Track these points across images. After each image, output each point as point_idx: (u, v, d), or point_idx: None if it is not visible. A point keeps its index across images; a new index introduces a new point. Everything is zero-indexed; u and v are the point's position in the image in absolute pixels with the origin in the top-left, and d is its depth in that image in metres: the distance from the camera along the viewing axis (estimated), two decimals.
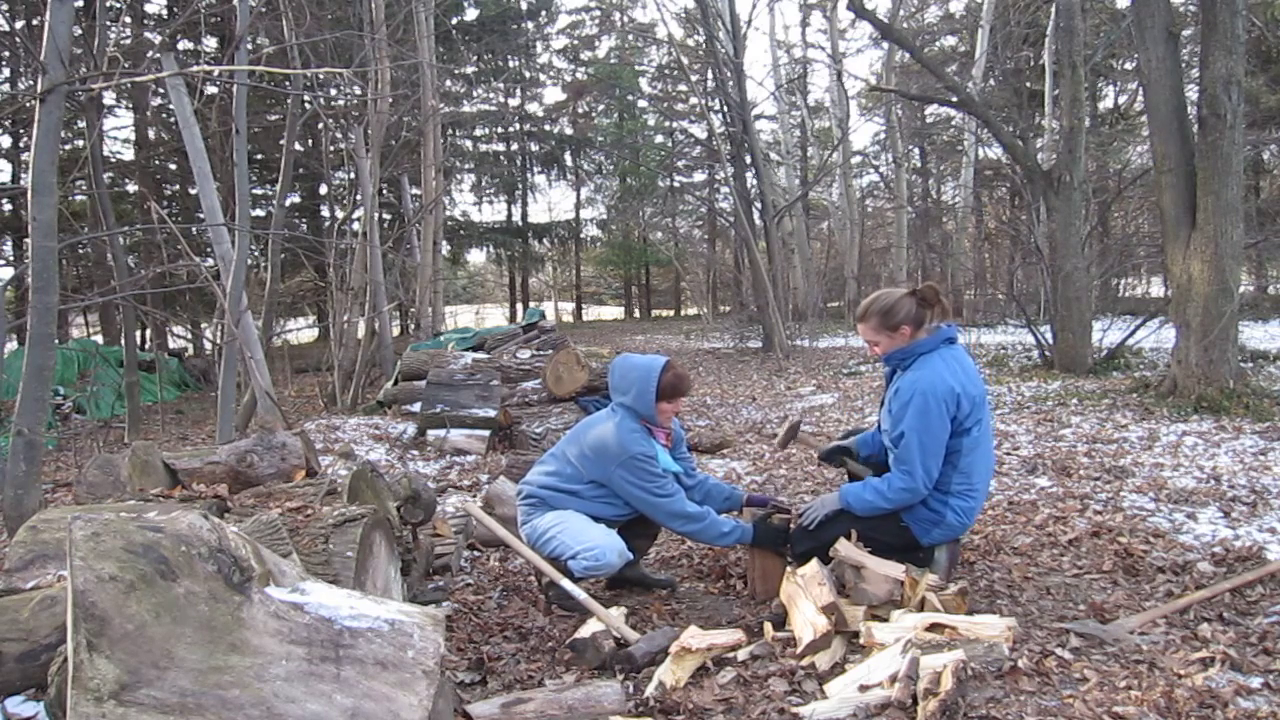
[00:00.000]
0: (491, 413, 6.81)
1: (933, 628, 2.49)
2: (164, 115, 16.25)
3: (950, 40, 26.32)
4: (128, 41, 13.04)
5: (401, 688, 1.68)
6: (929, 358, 3.09)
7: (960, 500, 3.09)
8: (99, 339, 15.36)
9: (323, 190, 21.40)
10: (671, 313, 35.36)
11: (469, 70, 27.33)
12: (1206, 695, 2.27)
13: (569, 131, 32.88)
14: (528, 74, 31.71)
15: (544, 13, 30.31)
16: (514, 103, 31.41)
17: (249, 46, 8.42)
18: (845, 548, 2.97)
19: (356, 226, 12.08)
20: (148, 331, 15.39)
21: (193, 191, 13.72)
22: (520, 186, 32.54)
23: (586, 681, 2.57)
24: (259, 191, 19.70)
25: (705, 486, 3.53)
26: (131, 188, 17.03)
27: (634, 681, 2.59)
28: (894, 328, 3.13)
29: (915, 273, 23.92)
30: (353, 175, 11.95)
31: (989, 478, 3.25)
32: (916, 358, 3.11)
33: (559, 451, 3.42)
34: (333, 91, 12.74)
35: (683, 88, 29.16)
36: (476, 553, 4.04)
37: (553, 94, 35.57)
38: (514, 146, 32.05)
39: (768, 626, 2.83)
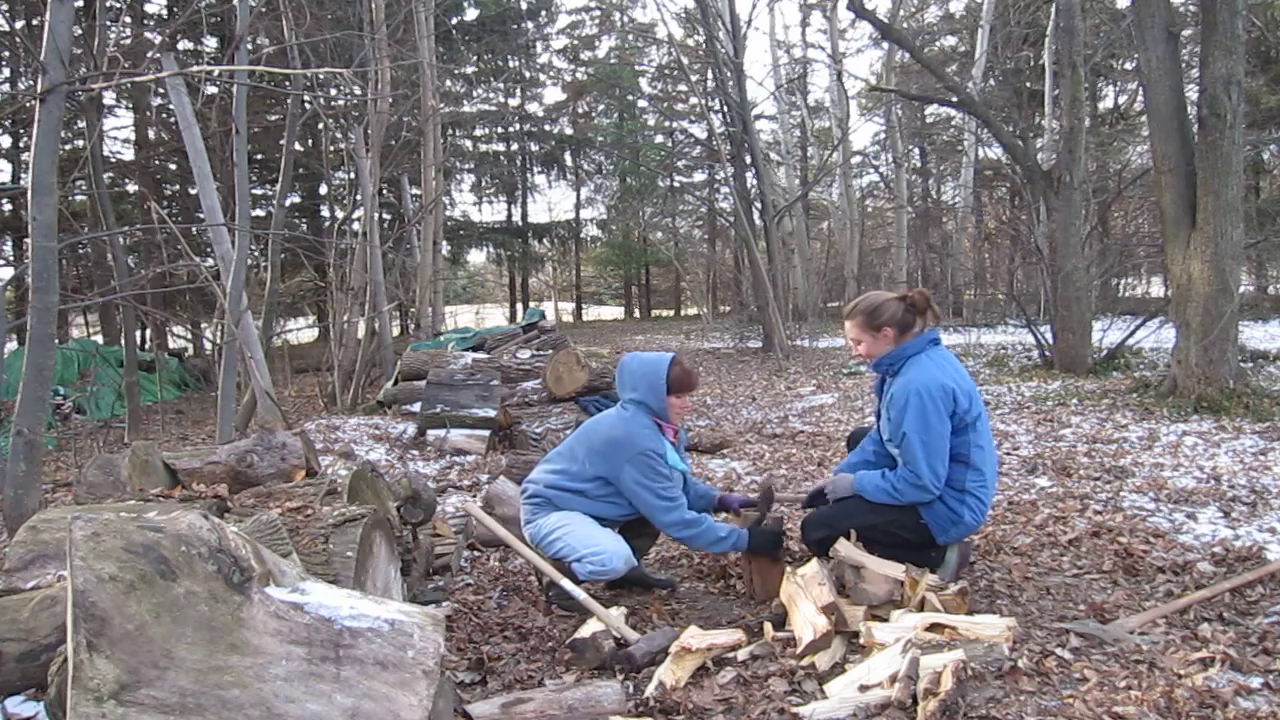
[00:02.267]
0: (491, 413, 6.81)
1: (933, 628, 2.49)
2: (164, 115, 16.24)
3: (950, 40, 26.33)
4: (128, 41, 13.03)
5: (401, 688, 1.68)
6: (917, 359, 3.12)
7: (975, 499, 3.10)
8: (99, 339, 15.35)
9: (323, 190, 21.43)
10: (671, 313, 35.32)
11: (469, 70, 27.32)
12: (1206, 695, 2.27)
13: (569, 131, 32.84)
14: (528, 74, 31.68)
15: (544, 13, 30.28)
16: (514, 103, 31.38)
17: (249, 46, 8.41)
18: (845, 548, 2.97)
19: (356, 226, 12.08)
20: (148, 331, 15.39)
21: (193, 191, 13.70)
22: (520, 186, 32.51)
23: (586, 681, 2.57)
24: (259, 191, 19.69)
25: (686, 483, 3.55)
26: (131, 188, 17.02)
27: (634, 681, 2.59)
28: (877, 328, 3.17)
29: (915, 273, 23.91)
30: (353, 175, 11.95)
31: (996, 475, 3.27)
32: (905, 361, 3.14)
33: (565, 449, 3.41)
34: (333, 91, 12.73)
35: (683, 88, 29.15)
36: (476, 553, 4.04)
37: (553, 94, 35.56)
38: (514, 146, 32.02)
39: (768, 626, 2.83)
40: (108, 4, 8.23)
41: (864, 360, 3.32)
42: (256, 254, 11.72)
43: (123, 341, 9.22)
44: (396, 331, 18.40)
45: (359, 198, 10.99)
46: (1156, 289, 20.34)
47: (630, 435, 3.21)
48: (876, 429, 3.41)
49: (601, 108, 33.18)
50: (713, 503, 3.56)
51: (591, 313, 37.10)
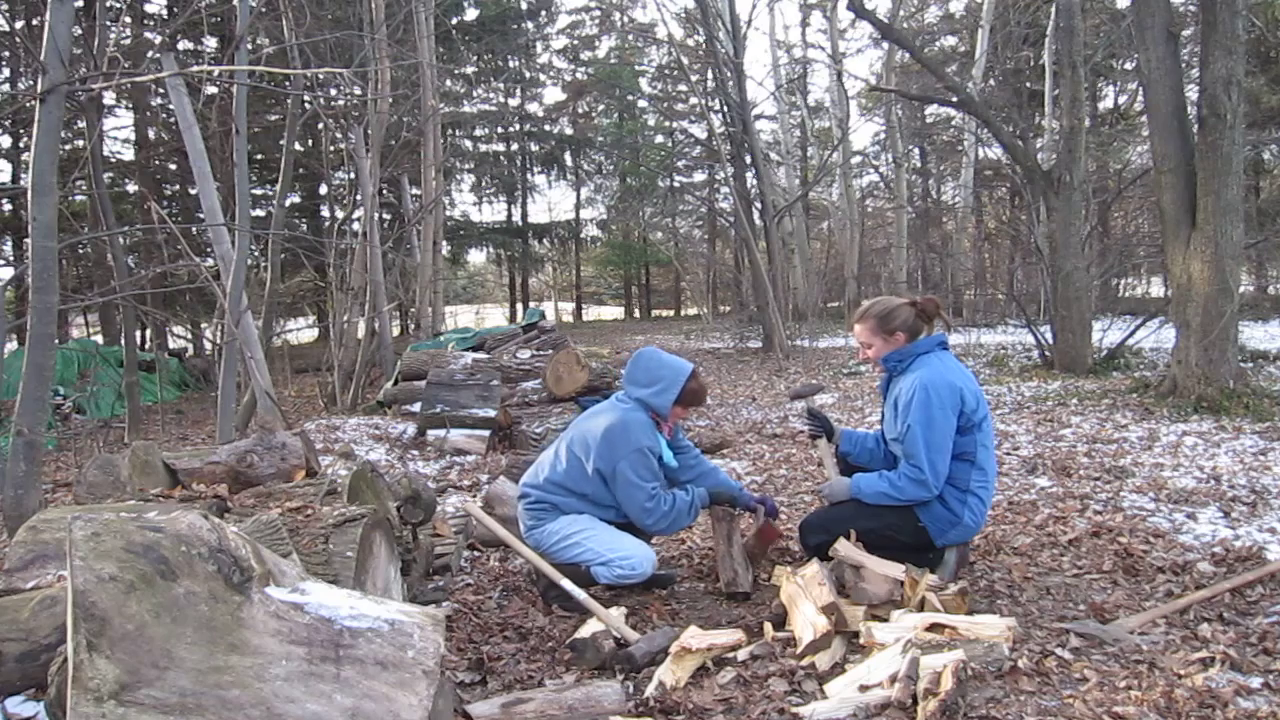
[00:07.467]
0: (491, 413, 6.81)
1: (933, 628, 2.49)
2: (164, 115, 16.24)
3: (950, 40, 26.31)
4: (128, 41, 13.02)
5: (401, 688, 1.68)
6: (926, 358, 3.15)
7: (977, 499, 3.12)
8: (99, 339, 15.34)
9: (323, 190, 21.41)
10: (671, 313, 35.33)
11: (469, 70, 27.32)
12: (1206, 695, 2.27)
13: (569, 131, 32.86)
14: (528, 74, 31.69)
15: (544, 13, 30.29)
16: (514, 103, 31.40)
17: (249, 46, 8.40)
18: (845, 548, 2.97)
19: (356, 226, 12.07)
20: (148, 331, 15.38)
21: (193, 191, 13.71)
22: (520, 186, 32.53)
23: (586, 681, 2.57)
24: (259, 191, 19.69)
25: (702, 467, 3.57)
26: (131, 188, 17.02)
27: (634, 681, 2.59)
28: (890, 332, 3.20)
29: (915, 273, 23.91)
30: (353, 175, 11.94)
31: (996, 475, 3.30)
32: (914, 359, 3.17)
33: (559, 451, 3.38)
34: (333, 91, 12.72)
35: (683, 88, 29.13)
36: (476, 553, 4.04)
37: (553, 94, 35.59)
38: (514, 146, 32.03)
39: (768, 626, 2.83)
40: (108, 4, 8.23)
41: (872, 363, 3.32)
42: (256, 254, 11.73)
43: (123, 341, 9.22)
44: (396, 331, 18.41)
45: (359, 198, 10.98)
46: (1156, 289, 20.34)
47: (630, 430, 3.19)
48: (879, 437, 3.42)
49: (601, 108, 33.19)
50: (733, 490, 3.47)
51: (591, 313, 37.12)
